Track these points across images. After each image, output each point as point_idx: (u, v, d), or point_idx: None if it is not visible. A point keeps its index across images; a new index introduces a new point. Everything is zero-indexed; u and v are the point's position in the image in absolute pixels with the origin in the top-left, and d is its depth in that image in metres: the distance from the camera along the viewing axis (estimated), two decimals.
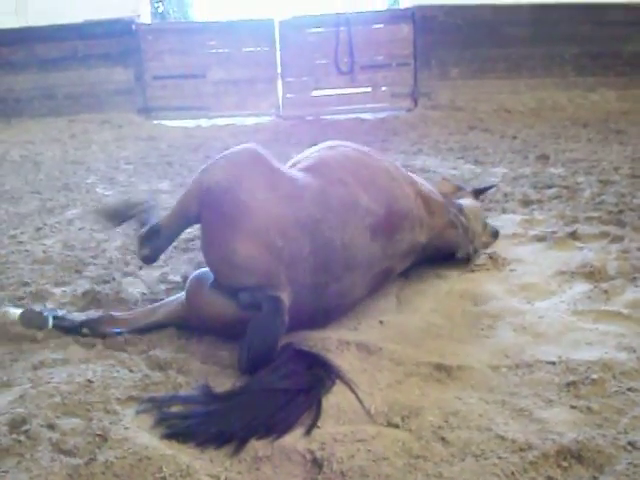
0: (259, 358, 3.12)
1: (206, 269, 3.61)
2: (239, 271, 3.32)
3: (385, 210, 3.83)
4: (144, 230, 3.76)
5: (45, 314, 3.69)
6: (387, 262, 3.88)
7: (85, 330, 3.66)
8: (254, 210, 3.41)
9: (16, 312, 3.68)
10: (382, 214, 3.79)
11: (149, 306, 3.92)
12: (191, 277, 3.65)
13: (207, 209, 3.47)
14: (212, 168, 3.58)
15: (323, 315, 3.60)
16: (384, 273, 3.92)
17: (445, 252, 4.51)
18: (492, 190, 6.05)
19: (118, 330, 3.66)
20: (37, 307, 3.91)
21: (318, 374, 3.08)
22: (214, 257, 3.43)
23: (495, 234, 5.05)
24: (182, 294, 3.72)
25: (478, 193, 5.46)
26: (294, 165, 4.06)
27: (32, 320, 3.64)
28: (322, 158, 4.01)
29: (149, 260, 3.79)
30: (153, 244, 3.70)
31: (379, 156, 4.30)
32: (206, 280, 3.53)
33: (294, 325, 3.37)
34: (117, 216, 4.10)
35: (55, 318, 3.70)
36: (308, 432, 2.73)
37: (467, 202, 4.90)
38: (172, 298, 3.84)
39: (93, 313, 3.92)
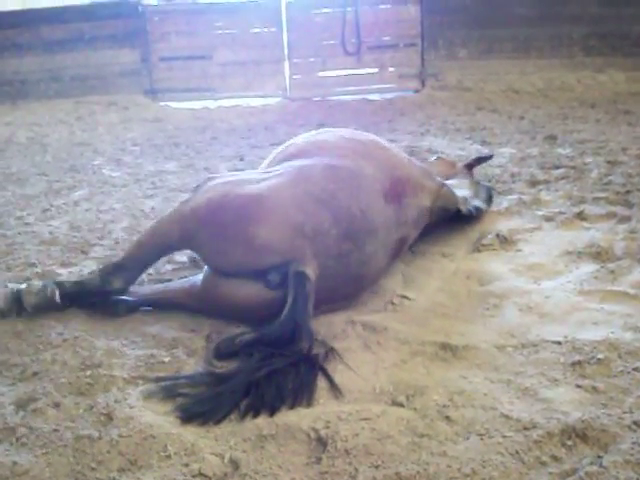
0: (287, 335, 3.13)
1: None
2: (263, 252, 3.32)
3: (388, 177, 3.90)
4: (107, 266, 3.73)
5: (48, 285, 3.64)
6: (402, 229, 3.93)
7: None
8: (263, 195, 3.43)
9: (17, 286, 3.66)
10: (387, 181, 3.86)
11: (159, 285, 3.94)
12: (205, 274, 3.60)
13: (202, 224, 3.47)
14: (190, 200, 3.64)
15: (348, 287, 3.59)
16: (400, 242, 3.97)
17: (450, 209, 4.57)
18: (489, 160, 6.06)
19: (127, 299, 3.66)
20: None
21: (304, 347, 3.12)
22: (233, 252, 3.38)
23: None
24: (194, 279, 3.71)
25: (473, 165, 5.60)
26: (275, 157, 4.10)
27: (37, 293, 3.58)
28: (314, 142, 4.09)
29: (121, 292, 3.68)
30: (124, 276, 3.64)
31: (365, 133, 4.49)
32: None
33: (321, 300, 3.38)
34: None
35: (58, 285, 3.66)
36: (332, 385, 2.88)
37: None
38: (183, 280, 3.86)
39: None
